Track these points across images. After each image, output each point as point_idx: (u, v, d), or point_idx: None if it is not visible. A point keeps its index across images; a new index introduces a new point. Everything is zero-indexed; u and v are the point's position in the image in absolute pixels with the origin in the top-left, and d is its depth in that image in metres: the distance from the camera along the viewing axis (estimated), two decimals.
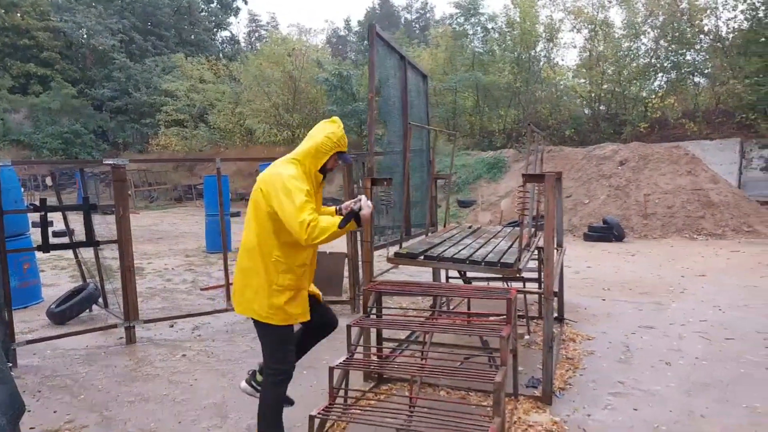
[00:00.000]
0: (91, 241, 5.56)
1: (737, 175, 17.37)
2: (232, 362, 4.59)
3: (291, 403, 3.15)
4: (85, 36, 36.33)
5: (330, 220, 2.62)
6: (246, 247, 2.84)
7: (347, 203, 2.94)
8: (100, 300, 6.33)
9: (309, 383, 4.05)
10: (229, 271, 6.12)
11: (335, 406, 3.01)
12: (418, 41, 31.63)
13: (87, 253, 6.68)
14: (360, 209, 2.69)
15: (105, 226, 6.88)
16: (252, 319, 2.85)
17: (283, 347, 2.86)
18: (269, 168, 2.83)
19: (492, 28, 24.90)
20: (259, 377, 3.10)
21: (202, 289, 7.58)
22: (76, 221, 6.25)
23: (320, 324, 3.11)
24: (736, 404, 3.62)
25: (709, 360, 4.47)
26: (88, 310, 6.21)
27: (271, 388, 2.89)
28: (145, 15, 39.56)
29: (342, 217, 2.68)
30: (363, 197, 2.78)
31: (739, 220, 12.34)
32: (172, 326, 5.77)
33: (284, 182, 2.66)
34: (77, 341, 5.15)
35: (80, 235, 5.91)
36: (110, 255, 6.73)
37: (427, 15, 52.73)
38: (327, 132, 2.87)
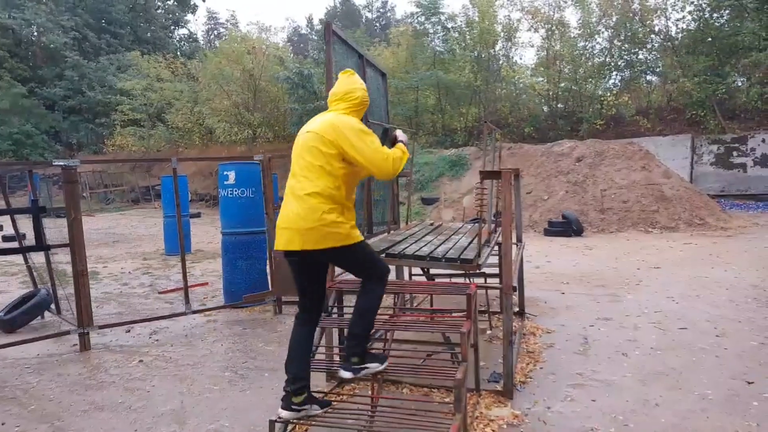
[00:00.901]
0: (41, 245, 5.34)
1: (689, 169, 18.06)
2: (191, 367, 4.48)
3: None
4: (35, 33, 35.02)
5: (393, 150, 2.95)
6: (318, 193, 2.78)
7: None
8: (53, 306, 6.10)
9: (270, 386, 3.98)
10: (187, 273, 5.99)
11: None
12: (379, 40, 31.63)
13: (38, 258, 6.42)
14: (396, 137, 3.11)
15: (57, 229, 6.63)
16: (334, 251, 2.83)
17: (375, 252, 3.16)
18: (321, 120, 2.93)
19: (452, 27, 25.13)
20: (354, 359, 2.99)
21: (160, 293, 7.39)
22: (28, 225, 6.00)
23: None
24: (689, 392, 3.74)
25: (663, 349, 4.61)
26: (39, 317, 5.97)
27: (379, 291, 3.03)
28: (99, 12, 38.37)
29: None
30: (398, 130, 3.18)
31: (691, 213, 12.81)
32: (128, 331, 5.60)
33: (353, 127, 2.84)
34: (28, 350, 4.94)
35: (32, 239, 5.69)
36: (64, 259, 6.48)
37: (388, 14, 52.88)
38: (361, 84, 3.05)
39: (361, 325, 2.98)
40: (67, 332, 5.07)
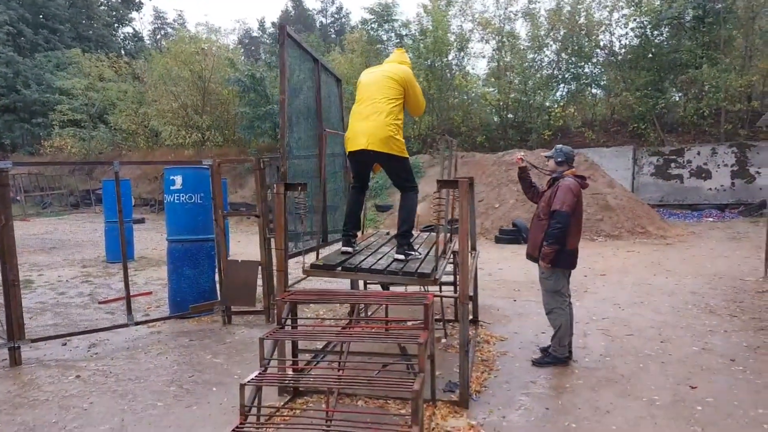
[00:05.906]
0: None
1: (631, 180, 18.78)
2: (133, 382, 4.24)
3: None
4: None
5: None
6: (385, 111, 4.01)
7: None
8: None
9: (218, 401, 3.81)
10: (130, 282, 5.70)
11: (246, 425, 2.83)
12: (333, 45, 31.50)
13: None
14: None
15: None
16: (389, 157, 4.06)
17: (411, 170, 4.36)
18: (389, 67, 4.25)
19: (406, 35, 25.30)
20: (405, 248, 4.14)
21: (100, 303, 7.01)
22: None
23: None
24: (637, 398, 3.82)
25: (611, 356, 4.72)
26: None
27: (414, 199, 4.26)
28: (36, 6, 36.47)
29: None
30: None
31: (633, 222, 13.31)
32: (65, 344, 5.26)
33: (412, 74, 4.28)
34: None
35: None
36: None
37: (343, 20, 52.75)
38: (408, 58, 4.43)
39: (407, 224, 4.18)
40: None
